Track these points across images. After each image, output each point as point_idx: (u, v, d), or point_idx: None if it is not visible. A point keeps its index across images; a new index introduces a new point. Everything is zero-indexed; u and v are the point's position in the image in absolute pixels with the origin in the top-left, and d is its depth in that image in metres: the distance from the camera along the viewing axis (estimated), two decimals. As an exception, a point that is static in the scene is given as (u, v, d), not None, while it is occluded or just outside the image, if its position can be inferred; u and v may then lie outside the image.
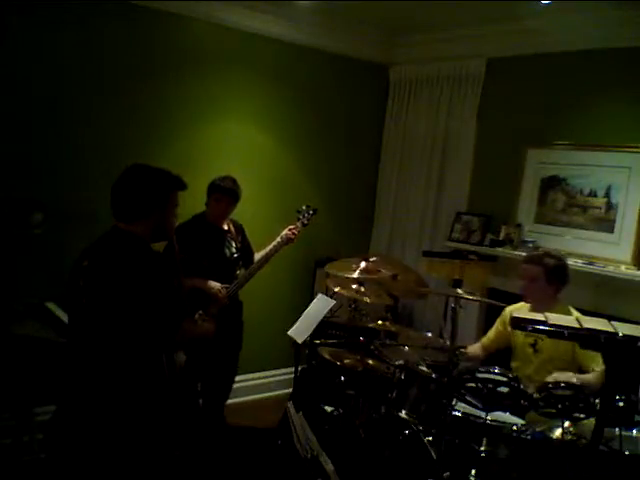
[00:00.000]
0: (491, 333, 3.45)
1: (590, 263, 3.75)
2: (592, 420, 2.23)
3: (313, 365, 3.73)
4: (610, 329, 1.68)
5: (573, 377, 2.75)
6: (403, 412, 3.00)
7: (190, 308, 2.40)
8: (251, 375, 4.71)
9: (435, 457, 2.77)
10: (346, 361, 3.47)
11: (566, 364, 3.03)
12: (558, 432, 2.58)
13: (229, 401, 4.13)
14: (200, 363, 2.72)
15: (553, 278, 3.09)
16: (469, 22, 4.34)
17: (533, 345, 3.14)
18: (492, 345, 3.42)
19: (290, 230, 3.73)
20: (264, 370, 4.80)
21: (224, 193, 3.56)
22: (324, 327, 3.85)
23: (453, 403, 2.85)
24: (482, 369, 2.75)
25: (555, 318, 1.75)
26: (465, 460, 2.71)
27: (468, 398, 2.76)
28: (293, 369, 3.72)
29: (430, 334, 3.80)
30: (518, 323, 1.83)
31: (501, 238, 4.25)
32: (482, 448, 2.68)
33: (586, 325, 1.71)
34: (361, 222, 5.28)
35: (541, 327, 1.74)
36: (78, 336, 2.12)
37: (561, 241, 3.99)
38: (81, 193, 3.67)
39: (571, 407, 2.44)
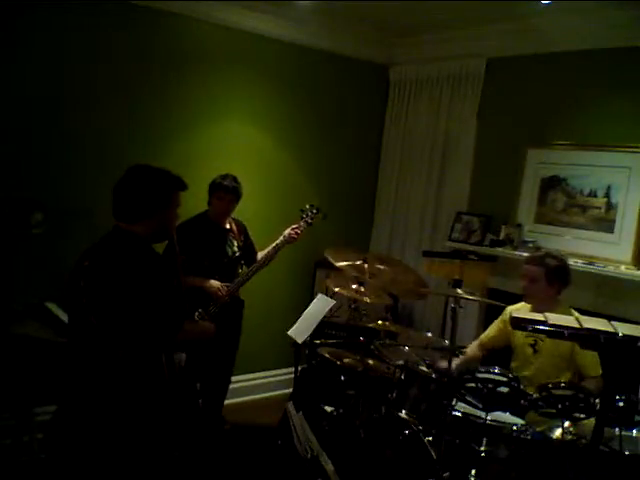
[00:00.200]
0: (491, 330, 3.44)
1: (590, 263, 3.75)
2: (592, 420, 2.23)
3: (313, 365, 3.73)
4: (610, 329, 1.68)
5: None
6: (403, 412, 3.00)
7: (190, 307, 2.40)
8: (251, 375, 4.71)
9: (435, 457, 2.77)
10: (346, 361, 3.47)
11: (566, 365, 3.03)
12: (558, 432, 2.58)
13: (229, 401, 4.14)
14: (200, 363, 2.72)
15: (554, 279, 3.09)
16: (469, 22, 4.34)
17: (533, 345, 3.14)
18: (491, 343, 3.42)
19: (293, 229, 3.73)
20: (264, 370, 4.80)
21: (226, 191, 3.58)
22: (324, 327, 3.86)
23: (453, 403, 2.85)
24: (482, 369, 2.75)
25: (555, 318, 1.75)
26: (465, 460, 2.72)
27: (468, 398, 2.76)
28: (293, 369, 3.72)
29: (430, 334, 3.80)
30: (518, 323, 1.83)
31: (501, 238, 4.25)
32: (482, 448, 2.68)
33: (586, 325, 1.71)
34: (361, 222, 5.28)
35: (541, 327, 1.74)
36: (78, 336, 2.12)
37: (561, 241, 3.99)
38: (81, 193, 3.67)
39: (571, 407, 2.44)
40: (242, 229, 3.82)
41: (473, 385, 2.67)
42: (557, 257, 3.16)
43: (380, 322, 3.61)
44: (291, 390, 3.90)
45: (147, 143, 3.93)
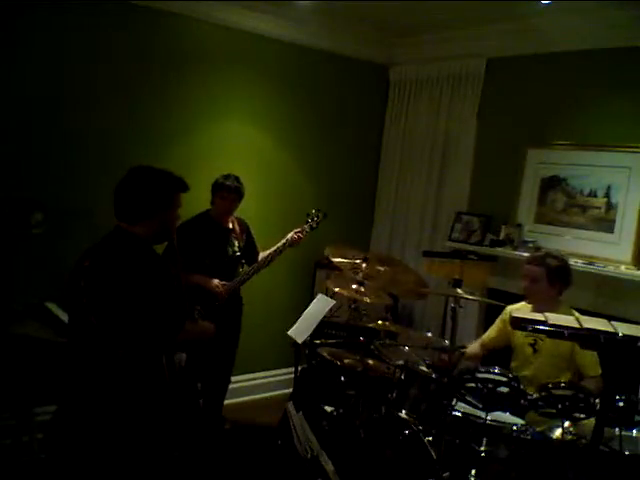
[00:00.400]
0: (491, 331, 3.45)
1: (590, 263, 3.75)
2: (592, 420, 2.23)
3: (313, 365, 3.73)
4: (610, 329, 1.68)
5: None
6: (403, 412, 3.00)
7: (189, 304, 2.40)
8: (251, 375, 4.71)
9: (435, 457, 2.77)
10: (346, 361, 3.47)
11: (566, 365, 3.03)
12: (558, 432, 2.58)
13: (229, 401, 4.14)
14: (200, 362, 2.72)
15: (555, 279, 3.09)
16: (469, 22, 4.34)
17: (533, 345, 3.14)
18: (491, 343, 3.42)
19: (296, 233, 3.74)
20: (264, 370, 4.80)
21: (229, 191, 3.60)
22: (324, 327, 3.86)
23: (453, 403, 2.85)
24: (482, 369, 2.75)
25: (555, 318, 1.75)
26: (465, 460, 2.72)
27: (468, 398, 2.75)
28: (293, 369, 3.72)
29: (430, 334, 3.80)
30: (518, 323, 1.83)
31: (501, 238, 4.25)
32: (482, 448, 2.68)
33: (586, 325, 1.71)
34: (361, 222, 5.28)
35: (541, 327, 1.74)
36: (78, 336, 2.12)
37: (561, 241, 3.99)
38: (81, 193, 3.67)
39: (571, 407, 2.43)
40: (244, 228, 3.83)
41: (473, 385, 2.67)
42: (558, 257, 3.16)
43: (380, 322, 3.61)
44: (291, 390, 3.90)
45: (147, 143, 3.93)
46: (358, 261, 3.54)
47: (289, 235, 3.75)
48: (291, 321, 3.56)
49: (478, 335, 4.10)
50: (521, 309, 3.27)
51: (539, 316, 1.77)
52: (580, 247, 3.89)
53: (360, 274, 3.51)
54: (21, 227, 3.33)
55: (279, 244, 3.73)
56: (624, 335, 1.65)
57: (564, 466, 2.46)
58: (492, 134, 4.49)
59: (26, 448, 3.11)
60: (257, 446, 3.83)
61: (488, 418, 2.68)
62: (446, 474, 2.72)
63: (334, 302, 3.51)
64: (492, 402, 2.65)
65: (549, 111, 4.13)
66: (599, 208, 3.84)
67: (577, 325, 1.72)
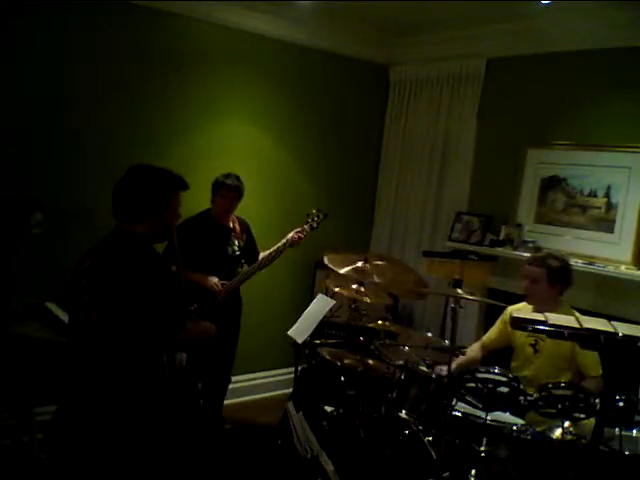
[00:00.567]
0: (492, 332, 3.45)
1: (590, 263, 3.75)
2: (592, 420, 2.23)
3: (313, 365, 3.73)
4: (610, 329, 1.68)
5: None
6: (403, 412, 3.00)
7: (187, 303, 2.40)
8: (251, 375, 4.71)
9: (435, 457, 2.77)
10: (346, 361, 3.47)
11: (566, 365, 3.03)
12: (558, 432, 2.58)
13: (229, 401, 4.14)
14: (201, 362, 2.72)
15: (556, 280, 3.09)
16: (469, 22, 4.34)
17: (533, 345, 3.13)
18: (492, 344, 3.42)
19: (297, 233, 3.74)
20: (264, 370, 4.80)
21: (229, 189, 3.61)
22: (324, 327, 3.86)
23: (453, 403, 2.85)
24: (482, 369, 2.74)
25: (555, 318, 1.75)
26: (465, 460, 2.72)
27: (468, 398, 2.76)
28: (293, 369, 3.72)
29: (430, 334, 3.80)
30: (518, 323, 1.83)
31: (501, 238, 4.25)
32: (482, 448, 2.68)
33: (586, 325, 1.71)
34: (361, 222, 5.28)
35: (541, 327, 1.74)
36: (79, 335, 2.12)
37: (561, 241, 3.99)
38: (81, 193, 3.67)
39: (571, 407, 2.43)
40: (245, 228, 3.83)
41: (473, 385, 2.67)
42: (559, 258, 3.15)
43: (380, 322, 3.61)
44: (291, 390, 3.90)
45: (147, 143, 3.93)
46: (360, 264, 3.54)
47: (289, 235, 3.75)
48: (291, 321, 3.56)
49: (478, 335, 4.10)
50: (522, 309, 3.27)
51: (539, 316, 1.77)
52: (580, 247, 3.89)
53: (360, 274, 3.51)
54: (21, 227, 3.33)
55: (279, 244, 3.73)
56: (624, 335, 1.65)
57: (564, 466, 2.46)
58: (492, 134, 4.49)
59: (26, 448, 3.11)
60: (257, 446, 3.83)
61: (488, 418, 2.68)
62: (446, 474, 2.72)
63: (334, 302, 3.51)
64: (492, 402, 2.66)
65: (549, 111, 4.13)
66: (599, 208, 3.84)
67: (577, 325, 1.72)
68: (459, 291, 3.08)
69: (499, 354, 3.37)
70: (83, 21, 3.61)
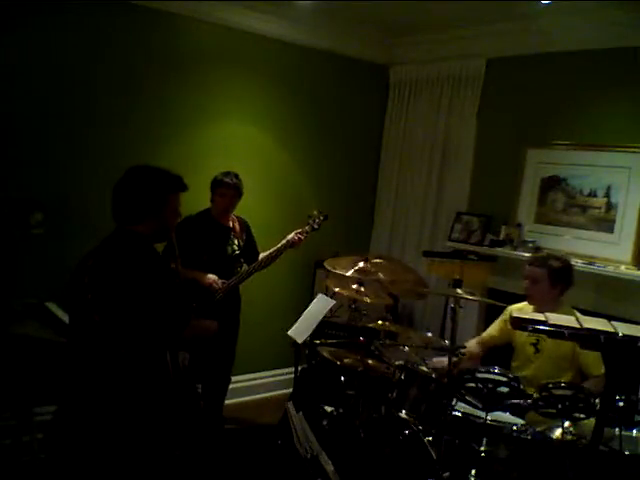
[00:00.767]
0: (492, 330, 3.44)
1: (590, 263, 3.75)
2: (592, 420, 2.23)
3: (313, 365, 3.73)
4: (610, 329, 1.68)
5: None
6: (403, 412, 3.00)
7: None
8: (251, 375, 4.71)
9: (435, 457, 2.77)
10: (346, 361, 3.46)
11: (568, 365, 3.03)
12: (558, 432, 2.58)
13: (229, 401, 4.14)
14: (201, 362, 2.73)
15: (557, 280, 3.09)
16: (469, 22, 4.34)
17: (535, 345, 3.13)
18: (492, 341, 3.42)
19: (297, 234, 3.74)
20: (264, 370, 4.80)
21: (228, 187, 3.61)
22: (324, 327, 3.85)
23: (453, 403, 2.85)
24: (482, 369, 2.74)
25: (555, 318, 1.75)
26: (465, 460, 2.71)
27: (468, 398, 2.76)
28: (293, 369, 3.72)
29: (430, 334, 3.79)
30: (518, 323, 1.83)
31: (501, 238, 4.25)
32: (482, 448, 2.68)
33: (586, 325, 1.71)
34: (361, 222, 5.28)
35: (541, 327, 1.75)
36: (80, 334, 2.11)
37: (561, 241, 3.99)
38: (81, 193, 3.67)
39: (571, 407, 2.43)
40: (244, 228, 3.83)
41: (473, 385, 2.67)
42: (560, 258, 3.15)
43: (380, 322, 3.61)
44: (291, 390, 3.90)
45: (147, 143, 3.93)
46: (361, 264, 3.54)
47: (289, 236, 3.75)
48: (291, 321, 3.56)
49: (478, 335, 4.10)
50: (523, 309, 3.27)
51: (539, 316, 1.78)
52: (580, 247, 3.89)
53: (360, 274, 3.51)
54: (21, 227, 3.33)
55: (279, 245, 3.73)
56: (624, 335, 1.66)
57: (564, 466, 2.46)
58: (492, 134, 4.49)
59: (26, 448, 3.11)
60: (257, 446, 3.83)
61: (488, 418, 2.68)
62: (446, 474, 2.72)
63: (334, 302, 3.51)
64: (492, 402, 2.65)
65: (549, 111, 4.13)
66: (599, 208, 3.84)
67: (577, 325, 1.72)
68: (459, 291, 3.08)
69: (499, 354, 3.37)
70: (83, 21, 3.61)
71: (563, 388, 2.49)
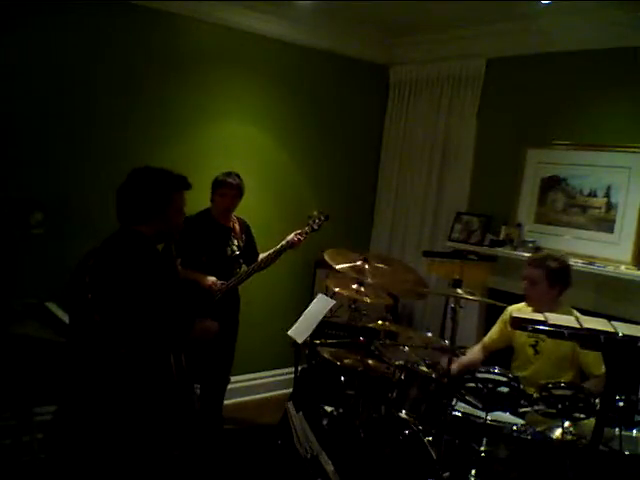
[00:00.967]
0: (493, 333, 3.44)
1: (590, 263, 3.75)
2: (592, 420, 2.23)
3: (313, 365, 3.73)
4: (610, 329, 1.68)
5: None
6: (403, 412, 3.00)
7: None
8: (251, 375, 4.71)
9: (435, 457, 2.77)
10: (346, 361, 3.46)
11: (567, 365, 3.03)
12: (558, 432, 2.58)
13: (229, 401, 4.14)
14: (199, 362, 2.72)
15: (555, 281, 3.08)
16: (469, 22, 4.34)
17: (534, 346, 3.13)
18: (493, 345, 3.42)
19: (297, 235, 3.73)
20: (264, 370, 4.80)
21: (230, 188, 3.61)
22: (324, 327, 3.85)
23: (453, 403, 2.85)
24: (482, 369, 2.75)
25: (555, 318, 1.75)
26: (465, 460, 2.71)
27: (468, 398, 2.75)
28: (293, 369, 3.72)
29: (430, 334, 3.80)
30: (518, 323, 1.83)
31: (501, 238, 4.25)
32: (482, 448, 2.68)
33: (586, 325, 1.71)
34: (361, 222, 5.28)
35: (541, 327, 1.74)
36: (80, 334, 2.11)
37: (561, 241, 3.99)
38: (81, 193, 3.67)
39: (571, 407, 2.43)
40: (244, 228, 3.83)
41: (473, 385, 2.67)
42: (558, 259, 3.15)
43: (380, 322, 3.61)
44: (291, 390, 3.90)
45: (147, 143, 3.93)
46: (359, 263, 3.54)
47: (289, 236, 3.74)
48: (291, 321, 3.56)
49: (478, 335, 4.11)
50: (522, 309, 3.27)
51: (539, 316, 1.77)
52: (580, 247, 3.89)
53: (360, 274, 3.51)
54: (21, 227, 3.33)
55: (278, 245, 3.73)
56: (624, 335, 1.65)
57: (564, 466, 2.46)
58: (492, 134, 4.49)
59: (26, 448, 3.11)
60: (257, 446, 3.83)
61: (488, 418, 2.68)
62: (446, 474, 2.72)
63: (334, 302, 3.51)
64: (492, 402, 2.65)
65: (549, 111, 4.13)
66: (599, 208, 3.84)
67: (577, 325, 1.72)
68: (459, 291, 3.08)
69: (499, 354, 3.37)
70: (83, 21, 3.61)
71: (563, 388, 2.49)
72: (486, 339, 3.48)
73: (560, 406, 2.45)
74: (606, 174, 3.81)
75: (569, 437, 2.51)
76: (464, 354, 3.46)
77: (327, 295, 3.63)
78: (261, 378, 4.80)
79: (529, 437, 2.62)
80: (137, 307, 2.01)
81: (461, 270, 3.90)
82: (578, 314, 3.04)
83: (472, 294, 3.20)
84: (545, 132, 4.14)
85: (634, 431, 2.44)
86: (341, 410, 3.33)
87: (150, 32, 3.88)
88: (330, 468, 2.46)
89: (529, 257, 3.39)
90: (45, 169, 3.59)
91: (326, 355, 3.53)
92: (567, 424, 2.52)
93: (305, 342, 3.50)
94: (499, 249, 4.22)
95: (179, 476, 2.29)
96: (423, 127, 4.90)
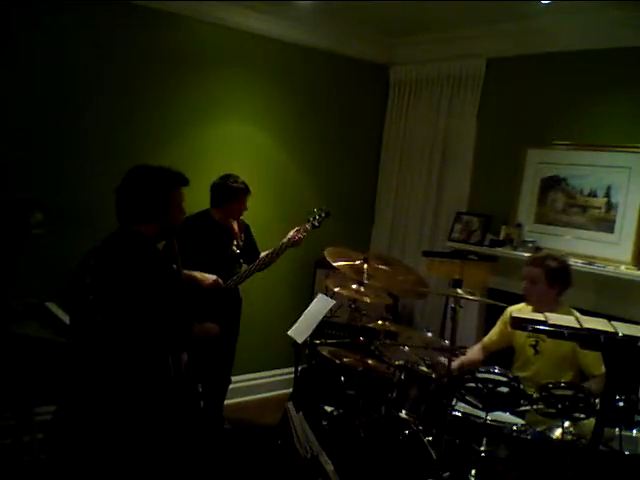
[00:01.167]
0: (493, 333, 3.44)
1: (590, 263, 3.75)
2: (592, 420, 2.23)
3: (313, 365, 3.73)
4: (610, 329, 1.68)
5: None
6: (403, 412, 3.00)
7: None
8: (251, 375, 4.71)
9: (435, 457, 2.77)
10: (346, 361, 3.46)
11: (568, 365, 3.03)
12: (558, 432, 2.58)
13: (229, 401, 4.14)
14: (201, 362, 2.72)
15: (555, 280, 3.08)
16: (469, 22, 4.34)
17: (534, 346, 3.13)
18: (493, 345, 3.42)
19: (297, 232, 3.73)
20: (264, 370, 4.80)
21: (245, 193, 3.65)
22: (324, 327, 3.86)
23: (453, 403, 2.85)
24: (482, 369, 2.75)
25: (555, 318, 1.75)
26: (465, 460, 2.72)
27: (468, 398, 2.75)
28: (293, 369, 3.72)
29: (430, 334, 3.80)
30: (518, 323, 1.83)
31: (501, 238, 4.25)
32: (482, 448, 2.68)
33: (586, 325, 1.71)
34: (361, 222, 5.28)
35: (541, 327, 1.75)
36: (81, 335, 2.11)
37: (561, 241, 3.99)
38: (81, 193, 3.66)
39: (571, 407, 2.43)
40: (243, 228, 3.83)
41: (473, 385, 2.67)
42: (558, 259, 3.15)
43: (380, 322, 3.61)
44: (291, 390, 3.90)
45: (147, 143, 3.93)
46: (358, 262, 3.54)
47: (290, 233, 3.74)
48: (291, 321, 3.56)
49: (478, 335, 4.11)
50: (522, 309, 3.27)
51: (539, 316, 1.77)
52: (580, 247, 3.89)
53: (360, 274, 3.51)
54: (21, 227, 3.33)
55: (280, 243, 3.73)
56: (624, 335, 1.66)
57: (564, 466, 2.46)
58: (492, 134, 4.49)
59: (26, 448, 3.11)
60: (257, 446, 3.83)
61: (488, 418, 2.68)
62: (446, 474, 2.72)
63: (334, 302, 3.51)
64: (492, 402, 2.65)
65: (549, 111, 4.13)
66: (599, 208, 3.84)
67: (577, 325, 1.72)
68: (459, 291, 3.08)
69: (500, 354, 3.37)
70: (83, 21, 3.60)
71: (563, 388, 2.49)
72: (486, 339, 3.49)
73: (560, 406, 2.45)
74: (606, 174, 3.81)
75: (569, 437, 2.51)
76: (464, 354, 3.46)
77: (327, 295, 3.63)
78: (261, 378, 4.80)
79: (529, 437, 2.62)
80: (138, 308, 2.00)
81: (461, 270, 3.90)
82: (578, 314, 3.04)
83: (472, 294, 3.20)
84: (545, 132, 4.14)
85: (634, 431, 2.44)
86: (341, 410, 3.33)
87: (150, 32, 3.88)
88: (330, 468, 2.46)
89: (529, 257, 3.39)
90: (45, 169, 3.59)
91: (326, 355, 3.53)
92: (567, 424, 2.52)
93: (305, 342, 3.50)
94: (499, 249, 4.22)
95: (179, 476, 2.29)
96: (423, 127, 4.90)
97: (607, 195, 3.81)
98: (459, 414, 2.85)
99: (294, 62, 4.62)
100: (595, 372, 2.89)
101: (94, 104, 3.73)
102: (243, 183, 3.64)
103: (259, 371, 4.77)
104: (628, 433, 2.40)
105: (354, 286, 3.52)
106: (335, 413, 3.33)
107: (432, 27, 4.62)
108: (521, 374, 3.00)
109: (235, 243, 3.73)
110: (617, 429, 2.26)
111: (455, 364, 3.30)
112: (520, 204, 4.26)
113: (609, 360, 1.70)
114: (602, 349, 1.70)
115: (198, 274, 3.51)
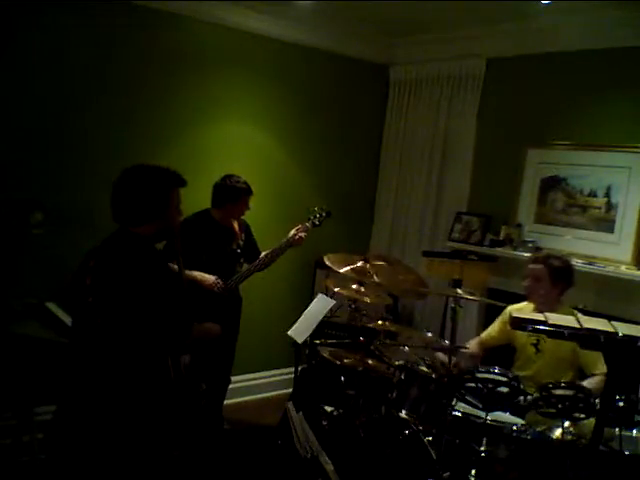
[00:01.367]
0: (492, 330, 3.44)
1: (590, 263, 3.75)
2: (592, 420, 2.23)
3: (313, 365, 3.73)
4: (610, 329, 1.68)
5: None
6: (403, 412, 3.00)
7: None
8: (251, 375, 4.71)
9: (435, 457, 2.77)
10: (346, 361, 3.46)
11: (568, 365, 3.03)
12: (558, 432, 2.58)
13: (229, 401, 4.14)
14: (203, 363, 2.72)
15: (558, 279, 3.09)
16: (469, 22, 4.34)
17: (535, 345, 3.14)
18: (491, 342, 3.42)
19: (297, 231, 3.73)
20: (264, 370, 4.80)
21: (248, 193, 3.66)
22: (324, 327, 3.85)
23: (453, 403, 2.85)
24: (482, 369, 2.75)
25: (555, 318, 1.75)
26: (465, 460, 2.72)
27: (468, 398, 2.75)
28: (293, 369, 3.72)
29: (430, 334, 3.80)
30: (518, 323, 1.83)
31: (501, 238, 4.25)
32: (482, 448, 2.68)
33: (586, 325, 1.71)
34: (361, 222, 5.28)
35: (541, 327, 1.75)
36: (82, 336, 2.11)
37: (561, 241, 3.99)
38: (81, 193, 3.66)
39: (571, 407, 2.43)
40: (243, 227, 3.83)
41: (473, 385, 2.67)
42: (560, 258, 3.18)
43: (380, 322, 3.61)
44: (291, 390, 3.90)
45: (147, 143, 3.93)
46: (360, 264, 3.54)
47: (291, 232, 3.74)
48: (291, 321, 3.56)
49: (478, 335, 4.10)
50: (522, 309, 3.27)
51: (539, 316, 1.78)
52: (580, 247, 3.89)
53: (360, 274, 3.51)
54: (21, 227, 3.33)
55: (279, 243, 3.73)
56: (624, 335, 1.66)
57: (564, 466, 2.46)
58: (492, 134, 4.49)
59: (26, 448, 3.11)
60: (257, 446, 3.83)
61: (488, 418, 2.68)
62: (446, 474, 2.72)
63: (334, 302, 3.51)
64: (492, 402, 2.65)
65: (549, 111, 4.13)
66: (599, 208, 3.84)
67: (577, 325, 1.72)
68: (459, 291, 3.08)
69: (500, 354, 3.37)
70: (83, 21, 3.60)
71: (563, 388, 2.49)
72: (484, 335, 3.49)
73: (560, 406, 2.45)
74: (606, 174, 3.81)
75: (569, 437, 2.51)
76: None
77: (327, 295, 3.64)
78: (261, 378, 4.80)
79: (529, 437, 2.62)
80: (138, 310, 2.00)
81: (461, 270, 3.90)
82: (579, 314, 3.04)
83: (472, 294, 3.20)
84: (545, 132, 4.14)
85: (634, 431, 2.44)
86: (341, 410, 3.33)
87: (150, 32, 3.87)
88: (330, 468, 2.46)
89: (532, 255, 3.40)
90: (45, 169, 3.59)
91: (326, 355, 3.53)
92: (567, 424, 2.52)
93: (305, 342, 3.50)
94: (499, 249, 4.22)
95: (179, 476, 2.29)
96: (423, 127, 4.90)
97: (607, 195, 3.81)
98: (459, 414, 2.85)
99: (294, 62, 4.62)
100: (595, 371, 2.90)
101: (94, 104, 3.73)
102: (245, 183, 3.65)
103: (259, 371, 4.77)
104: (628, 433, 2.41)
105: (354, 286, 3.53)
106: (335, 413, 3.33)
107: (432, 27, 4.62)
108: (522, 373, 3.01)
109: (235, 243, 3.74)
110: (617, 429, 2.26)
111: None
112: (520, 204, 4.26)
113: (609, 360, 1.70)
114: (602, 349, 1.70)
115: (198, 274, 3.51)
